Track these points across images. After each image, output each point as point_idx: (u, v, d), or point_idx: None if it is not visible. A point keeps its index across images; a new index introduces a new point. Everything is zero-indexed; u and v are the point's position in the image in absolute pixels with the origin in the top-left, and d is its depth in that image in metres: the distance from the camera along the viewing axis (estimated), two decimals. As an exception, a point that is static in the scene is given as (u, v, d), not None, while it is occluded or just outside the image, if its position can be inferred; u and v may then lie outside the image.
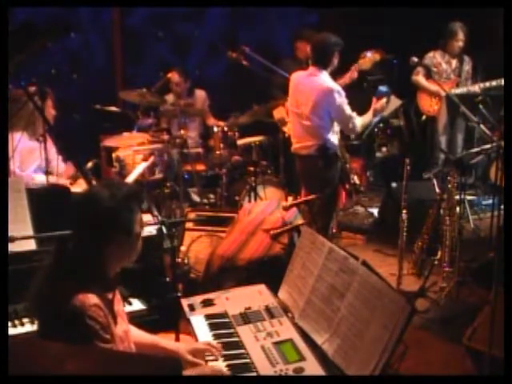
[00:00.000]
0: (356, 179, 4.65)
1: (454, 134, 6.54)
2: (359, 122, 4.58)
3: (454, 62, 6.41)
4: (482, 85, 6.14)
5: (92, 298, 2.02)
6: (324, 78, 4.50)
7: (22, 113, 4.05)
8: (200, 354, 2.41)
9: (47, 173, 4.07)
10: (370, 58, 5.02)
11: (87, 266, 2.09)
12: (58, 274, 2.09)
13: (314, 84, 4.50)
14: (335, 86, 4.47)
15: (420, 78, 6.42)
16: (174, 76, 6.17)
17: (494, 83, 6.02)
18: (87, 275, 2.08)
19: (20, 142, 4.10)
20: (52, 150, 4.39)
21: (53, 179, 4.26)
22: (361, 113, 4.73)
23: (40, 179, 4.31)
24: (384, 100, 4.70)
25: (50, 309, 2.04)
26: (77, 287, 2.03)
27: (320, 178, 4.59)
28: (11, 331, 2.63)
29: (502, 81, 5.79)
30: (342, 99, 4.46)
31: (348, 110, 4.50)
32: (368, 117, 4.70)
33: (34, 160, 4.42)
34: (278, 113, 5.69)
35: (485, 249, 4.77)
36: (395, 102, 5.10)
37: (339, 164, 4.70)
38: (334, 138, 4.63)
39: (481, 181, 6.92)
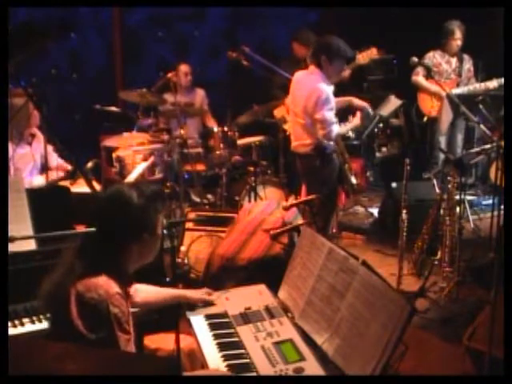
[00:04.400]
0: (353, 179, 4.62)
1: (453, 134, 6.53)
2: (336, 130, 4.48)
3: (454, 62, 6.40)
4: (482, 84, 6.14)
5: (115, 287, 2.05)
6: (318, 78, 4.45)
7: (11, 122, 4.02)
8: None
9: (46, 170, 4.06)
10: (367, 52, 5.05)
11: (110, 263, 2.11)
12: (80, 267, 2.08)
13: (308, 83, 4.45)
14: (325, 88, 4.40)
15: (420, 78, 6.41)
16: (183, 67, 6.30)
17: (494, 83, 6.01)
18: (109, 270, 2.09)
19: (10, 152, 4.09)
20: (47, 147, 4.38)
21: (52, 175, 4.26)
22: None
23: (38, 181, 4.31)
24: (361, 121, 4.67)
25: (72, 297, 2.02)
26: (99, 277, 2.05)
27: (318, 176, 4.57)
28: (11, 331, 2.63)
29: (502, 80, 5.79)
30: (328, 104, 4.37)
31: (328, 114, 4.36)
32: (345, 128, 4.61)
33: (27, 163, 4.43)
34: (278, 112, 5.70)
35: (485, 249, 4.78)
36: (395, 102, 5.09)
37: (337, 164, 4.65)
38: None
39: (481, 181, 6.92)
